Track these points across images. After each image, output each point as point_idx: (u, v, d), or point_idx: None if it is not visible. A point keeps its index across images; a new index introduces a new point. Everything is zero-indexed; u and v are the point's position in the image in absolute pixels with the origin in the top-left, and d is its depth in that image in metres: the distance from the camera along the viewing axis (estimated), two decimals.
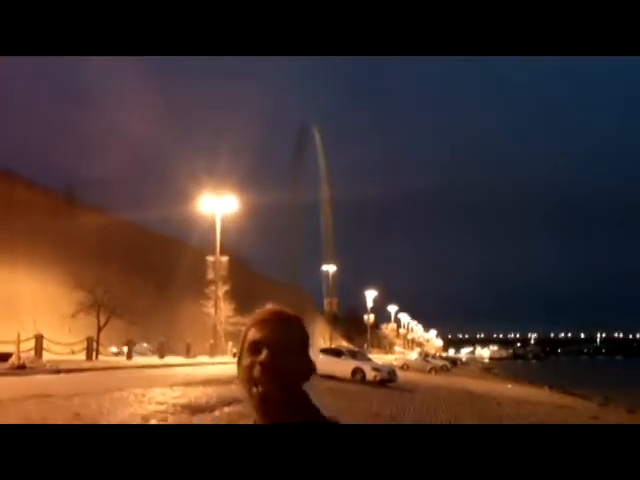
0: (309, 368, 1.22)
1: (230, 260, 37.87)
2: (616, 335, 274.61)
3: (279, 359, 1.14)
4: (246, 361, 1.16)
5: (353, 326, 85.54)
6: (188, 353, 29.12)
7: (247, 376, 1.15)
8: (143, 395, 10.83)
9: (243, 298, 41.56)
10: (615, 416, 20.94)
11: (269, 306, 1.24)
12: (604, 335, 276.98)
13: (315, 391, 1.27)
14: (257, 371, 1.13)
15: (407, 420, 14.07)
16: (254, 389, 1.13)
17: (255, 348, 1.16)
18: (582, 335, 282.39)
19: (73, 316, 26.86)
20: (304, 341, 1.23)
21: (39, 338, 19.36)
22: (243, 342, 1.19)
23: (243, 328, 1.22)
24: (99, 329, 26.54)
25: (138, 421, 8.42)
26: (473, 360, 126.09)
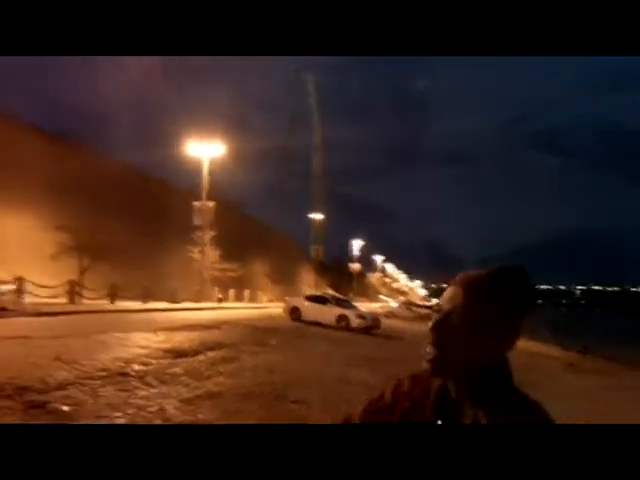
0: (500, 345, 1.11)
1: (219, 205, 37.37)
2: (595, 288, 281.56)
3: (453, 328, 1.10)
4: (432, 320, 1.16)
5: (339, 274, 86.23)
6: (173, 298, 29.01)
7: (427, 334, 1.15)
8: (126, 339, 10.70)
9: (232, 243, 41.32)
10: (592, 363, 21.48)
11: (468, 273, 1.16)
12: (583, 287, 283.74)
13: None
14: (430, 334, 1.13)
15: (382, 357, 14.23)
16: (427, 349, 1.13)
17: (437, 310, 1.15)
18: (561, 287, 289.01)
19: (54, 258, 26.34)
20: (499, 315, 1.09)
21: (20, 280, 19.06)
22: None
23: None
24: (81, 272, 26.28)
25: (120, 365, 8.29)
26: None
